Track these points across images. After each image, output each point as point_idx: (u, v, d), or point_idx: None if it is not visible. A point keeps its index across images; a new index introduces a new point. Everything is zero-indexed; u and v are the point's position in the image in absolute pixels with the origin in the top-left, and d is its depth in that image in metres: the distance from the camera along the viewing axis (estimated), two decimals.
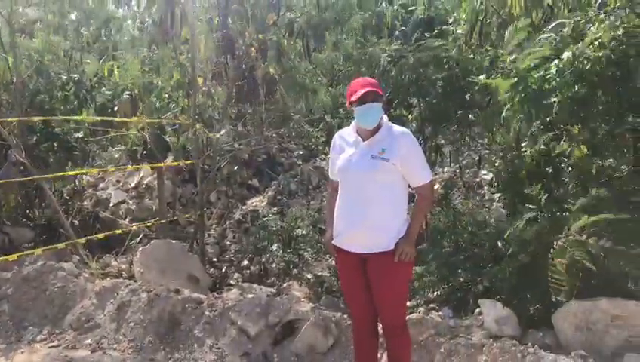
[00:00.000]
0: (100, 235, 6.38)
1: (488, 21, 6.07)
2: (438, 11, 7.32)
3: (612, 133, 4.23)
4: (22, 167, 6.83)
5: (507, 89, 4.19)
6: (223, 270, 7.11)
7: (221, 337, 4.36)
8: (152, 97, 8.16)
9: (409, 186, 3.25)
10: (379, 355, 3.57)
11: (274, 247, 6.89)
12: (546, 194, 4.19)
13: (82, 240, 6.21)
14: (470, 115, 5.88)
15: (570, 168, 4.49)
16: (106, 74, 8.74)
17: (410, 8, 7.53)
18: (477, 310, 4.26)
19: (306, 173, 10.16)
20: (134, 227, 7.33)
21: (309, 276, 6.42)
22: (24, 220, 7.57)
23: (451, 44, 5.95)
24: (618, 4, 4.09)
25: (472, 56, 5.76)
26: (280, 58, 8.03)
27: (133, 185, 9.46)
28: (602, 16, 4.05)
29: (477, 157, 7.54)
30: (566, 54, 3.96)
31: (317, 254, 6.90)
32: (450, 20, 6.69)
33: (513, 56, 4.54)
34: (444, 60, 5.80)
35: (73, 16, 13.47)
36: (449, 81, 5.80)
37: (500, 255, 4.61)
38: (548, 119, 4.32)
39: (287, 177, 10.13)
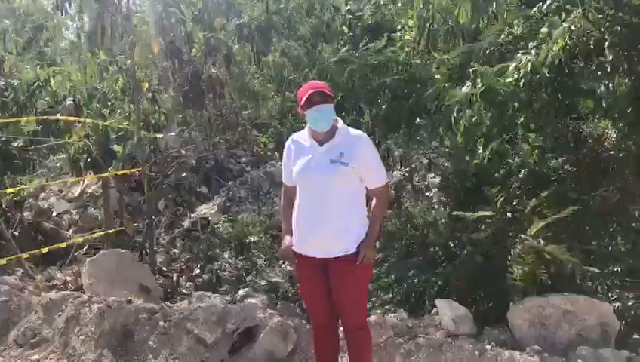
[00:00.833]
0: (45, 249, 6.10)
1: (436, 27, 6.22)
2: (385, 18, 7.44)
3: (554, 135, 4.43)
4: None
5: (463, 96, 4.32)
6: (174, 279, 6.95)
7: (177, 347, 4.25)
8: (95, 103, 7.91)
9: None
10: (339, 358, 3.59)
11: (226, 255, 6.81)
12: (502, 197, 4.34)
13: (25, 255, 5.94)
14: (419, 119, 6.00)
15: (520, 170, 4.66)
16: (41, 80, 8.38)
17: (358, 14, 7.61)
18: (434, 310, 4.35)
19: (256, 179, 10.09)
20: (80, 239, 7.06)
21: (263, 283, 6.38)
22: None
23: (400, 49, 6.08)
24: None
25: (419, 61, 5.91)
26: (228, 63, 7.94)
27: (76, 194, 9.11)
28: (555, 17, 4.21)
29: (426, 161, 7.70)
30: (524, 61, 4.11)
31: (270, 261, 6.87)
32: (399, 27, 6.82)
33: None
34: (393, 65, 5.91)
35: (7, 21, 12.99)
36: (397, 86, 5.92)
37: (452, 255, 4.73)
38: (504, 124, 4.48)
39: (237, 183, 10.03)
